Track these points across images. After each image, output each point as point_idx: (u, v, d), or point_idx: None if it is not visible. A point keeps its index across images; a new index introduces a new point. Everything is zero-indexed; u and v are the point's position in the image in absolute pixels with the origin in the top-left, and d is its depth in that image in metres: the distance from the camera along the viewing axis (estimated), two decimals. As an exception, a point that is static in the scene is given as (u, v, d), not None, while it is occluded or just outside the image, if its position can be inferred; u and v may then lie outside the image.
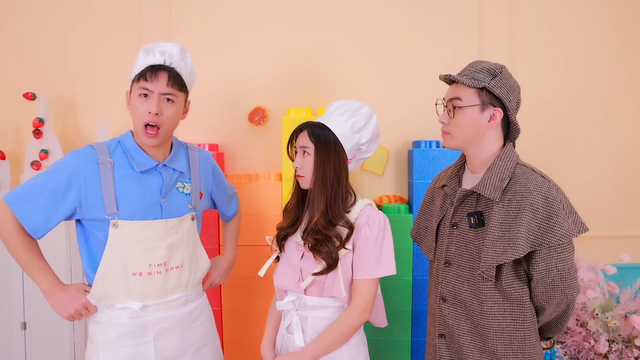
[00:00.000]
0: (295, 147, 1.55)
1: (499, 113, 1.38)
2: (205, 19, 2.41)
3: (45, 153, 2.25)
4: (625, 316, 2.06)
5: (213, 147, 2.31)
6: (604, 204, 2.40)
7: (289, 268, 1.54)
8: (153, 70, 1.48)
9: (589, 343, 2.04)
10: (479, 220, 1.38)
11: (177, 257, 1.56)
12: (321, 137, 1.48)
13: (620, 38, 2.40)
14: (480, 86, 1.37)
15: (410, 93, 2.40)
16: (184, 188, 1.60)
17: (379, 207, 2.26)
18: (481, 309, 1.37)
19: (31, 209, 1.44)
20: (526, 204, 1.31)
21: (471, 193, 1.42)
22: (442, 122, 1.44)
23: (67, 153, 1.51)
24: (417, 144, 2.25)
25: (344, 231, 1.45)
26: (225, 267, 1.85)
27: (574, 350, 2.08)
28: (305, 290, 1.49)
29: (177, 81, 1.51)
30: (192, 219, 1.61)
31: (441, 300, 1.46)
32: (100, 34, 2.42)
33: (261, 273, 1.58)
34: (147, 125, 1.48)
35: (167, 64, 1.51)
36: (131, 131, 1.57)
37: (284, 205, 1.64)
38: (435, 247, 1.53)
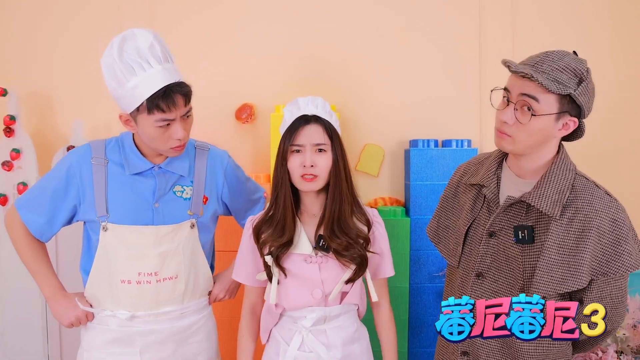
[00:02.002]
0: (297, 145, 1.37)
1: (573, 123, 1.20)
2: (188, 12, 2.29)
3: (16, 152, 2.12)
4: (634, 326, 1.99)
5: (197, 146, 2.19)
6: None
7: (302, 285, 1.39)
8: (168, 97, 1.31)
9: (597, 354, 1.96)
10: (529, 236, 1.21)
11: (171, 267, 1.46)
12: (335, 132, 1.41)
13: (620, 40, 2.32)
14: (566, 93, 1.14)
15: (407, 89, 2.30)
16: (183, 192, 1.49)
17: (374, 210, 2.16)
18: None
19: (34, 212, 1.45)
20: (592, 226, 1.16)
21: (519, 201, 1.24)
22: (505, 122, 1.20)
23: (68, 152, 1.49)
24: (414, 143, 2.16)
25: (363, 229, 1.42)
26: (230, 282, 1.65)
27: (581, 362, 1.99)
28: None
29: (189, 96, 1.38)
30: (192, 226, 1.49)
31: None
32: (77, 27, 2.29)
33: (273, 301, 1.40)
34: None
35: (176, 78, 1.33)
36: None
37: (260, 219, 1.45)
38: (462, 253, 1.35)
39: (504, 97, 1.23)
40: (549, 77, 1.14)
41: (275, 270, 1.38)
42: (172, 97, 1.32)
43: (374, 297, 1.43)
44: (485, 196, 1.32)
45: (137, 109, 1.33)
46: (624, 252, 1.16)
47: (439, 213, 1.48)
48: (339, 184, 1.38)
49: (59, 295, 1.48)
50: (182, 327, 1.50)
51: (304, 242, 1.39)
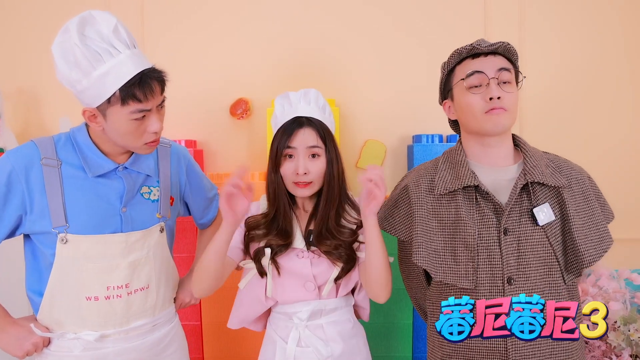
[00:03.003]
0: (290, 147, 1.34)
1: None
2: (180, 4, 2.22)
3: (0, 152, 2.03)
4: (650, 328, 1.89)
5: (191, 143, 2.13)
6: (629, 202, 2.21)
7: (294, 280, 1.37)
8: (145, 85, 1.18)
9: (610, 359, 1.88)
10: (551, 214, 1.21)
11: (142, 277, 1.33)
12: (329, 133, 1.37)
13: (623, 34, 2.24)
14: (517, 66, 1.29)
15: (409, 83, 2.22)
16: (150, 194, 1.37)
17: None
18: None
19: None
20: (586, 187, 1.25)
21: (524, 185, 1.23)
22: (498, 97, 1.21)
23: (4, 152, 1.27)
24: (417, 138, 2.07)
25: (352, 227, 1.40)
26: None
27: (593, 366, 1.90)
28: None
29: (165, 83, 1.26)
30: (161, 230, 1.38)
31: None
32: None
33: (269, 294, 1.38)
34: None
35: (148, 64, 1.21)
36: (85, 124, 1.31)
37: (255, 219, 1.42)
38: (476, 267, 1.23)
39: (471, 86, 1.25)
40: (512, 52, 1.28)
41: (269, 265, 1.36)
42: (149, 84, 1.19)
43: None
44: (482, 195, 1.25)
45: (108, 100, 1.17)
46: (606, 203, 1.29)
47: (423, 238, 1.28)
48: (332, 188, 1.36)
49: (5, 322, 1.28)
50: (155, 341, 1.39)
51: (297, 237, 1.38)
